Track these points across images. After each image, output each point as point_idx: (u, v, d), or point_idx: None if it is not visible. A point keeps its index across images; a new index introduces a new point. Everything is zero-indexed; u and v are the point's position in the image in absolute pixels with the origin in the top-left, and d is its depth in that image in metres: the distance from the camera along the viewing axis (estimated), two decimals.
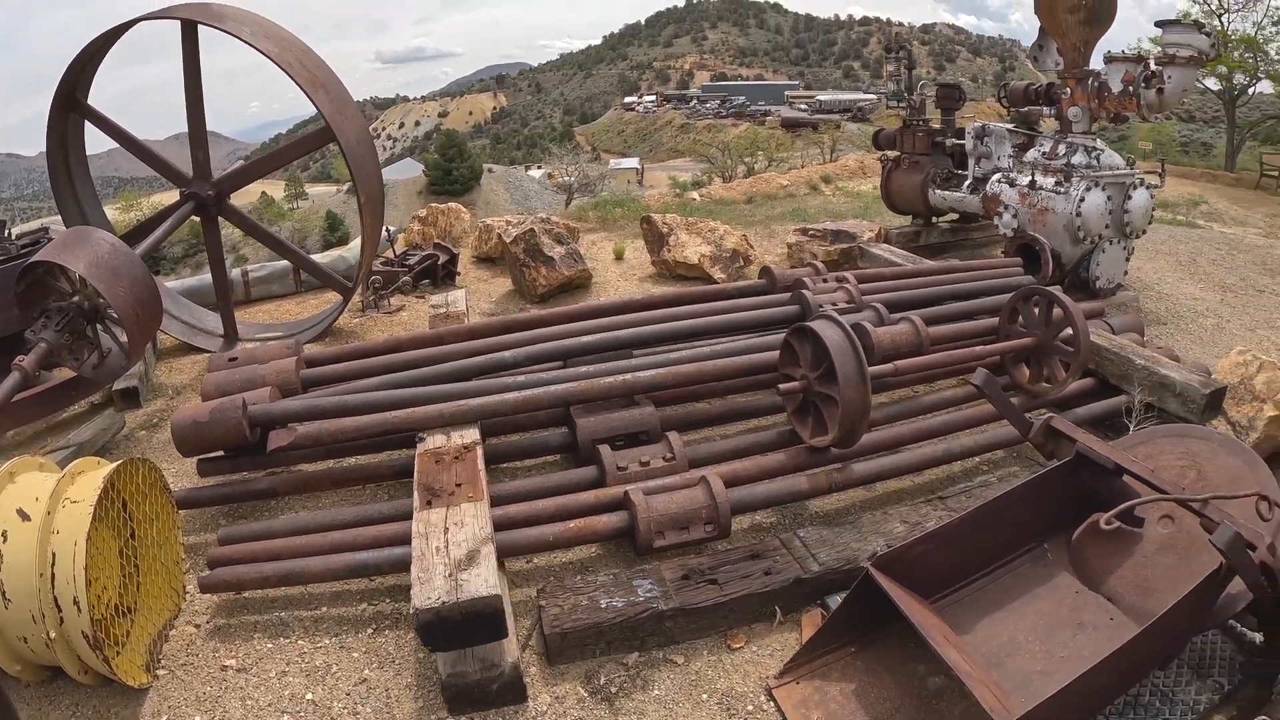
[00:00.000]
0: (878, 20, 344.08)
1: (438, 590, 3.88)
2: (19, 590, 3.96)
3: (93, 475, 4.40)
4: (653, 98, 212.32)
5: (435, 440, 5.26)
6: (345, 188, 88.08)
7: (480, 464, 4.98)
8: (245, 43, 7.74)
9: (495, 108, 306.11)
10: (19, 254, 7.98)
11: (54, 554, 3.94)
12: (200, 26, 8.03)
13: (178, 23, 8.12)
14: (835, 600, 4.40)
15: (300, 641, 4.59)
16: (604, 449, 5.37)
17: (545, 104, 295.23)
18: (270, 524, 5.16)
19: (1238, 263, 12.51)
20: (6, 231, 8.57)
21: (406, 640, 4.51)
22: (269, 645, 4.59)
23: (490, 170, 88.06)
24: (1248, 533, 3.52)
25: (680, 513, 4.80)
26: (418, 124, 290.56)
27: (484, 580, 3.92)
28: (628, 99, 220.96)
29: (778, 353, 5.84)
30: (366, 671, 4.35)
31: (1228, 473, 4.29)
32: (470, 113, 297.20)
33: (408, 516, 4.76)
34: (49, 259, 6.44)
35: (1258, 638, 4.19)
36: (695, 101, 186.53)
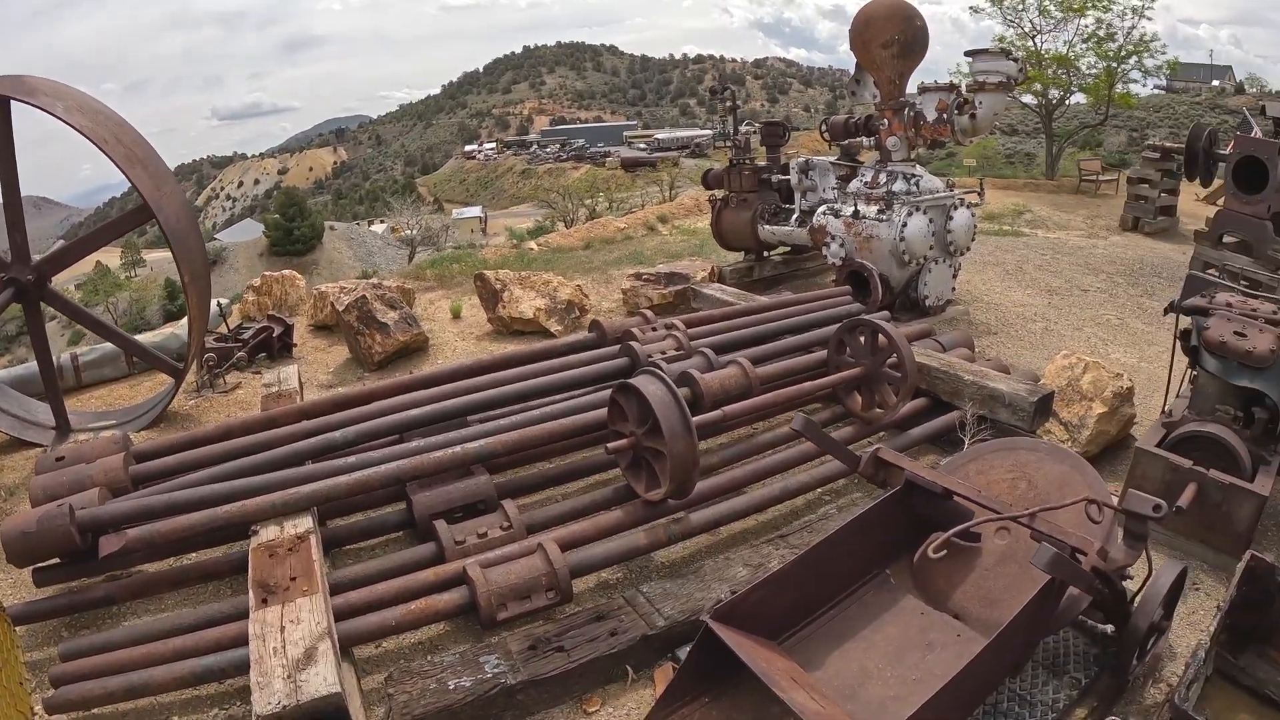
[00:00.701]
0: (711, 57, 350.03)
1: (278, 694, 3.80)
2: None
3: None
4: (493, 145, 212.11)
5: (269, 532, 5.11)
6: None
7: (315, 554, 4.87)
8: (58, 118, 7.53)
9: (336, 162, 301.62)
10: None
11: None
12: (13, 102, 7.79)
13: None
14: (685, 652, 4.43)
15: None
16: (440, 524, 5.36)
17: (386, 156, 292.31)
18: (110, 635, 4.95)
19: (1062, 265, 13.14)
20: None
21: None
22: None
23: (332, 228, 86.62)
24: (1076, 540, 3.69)
25: (520, 582, 4.81)
26: (257, 182, 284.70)
27: (323, 679, 3.85)
28: (468, 147, 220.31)
29: (607, 410, 5.89)
30: None
31: (1056, 479, 4.51)
32: (310, 168, 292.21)
33: (246, 615, 4.63)
34: None
35: (1109, 629, 4.38)
36: (535, 147, 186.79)
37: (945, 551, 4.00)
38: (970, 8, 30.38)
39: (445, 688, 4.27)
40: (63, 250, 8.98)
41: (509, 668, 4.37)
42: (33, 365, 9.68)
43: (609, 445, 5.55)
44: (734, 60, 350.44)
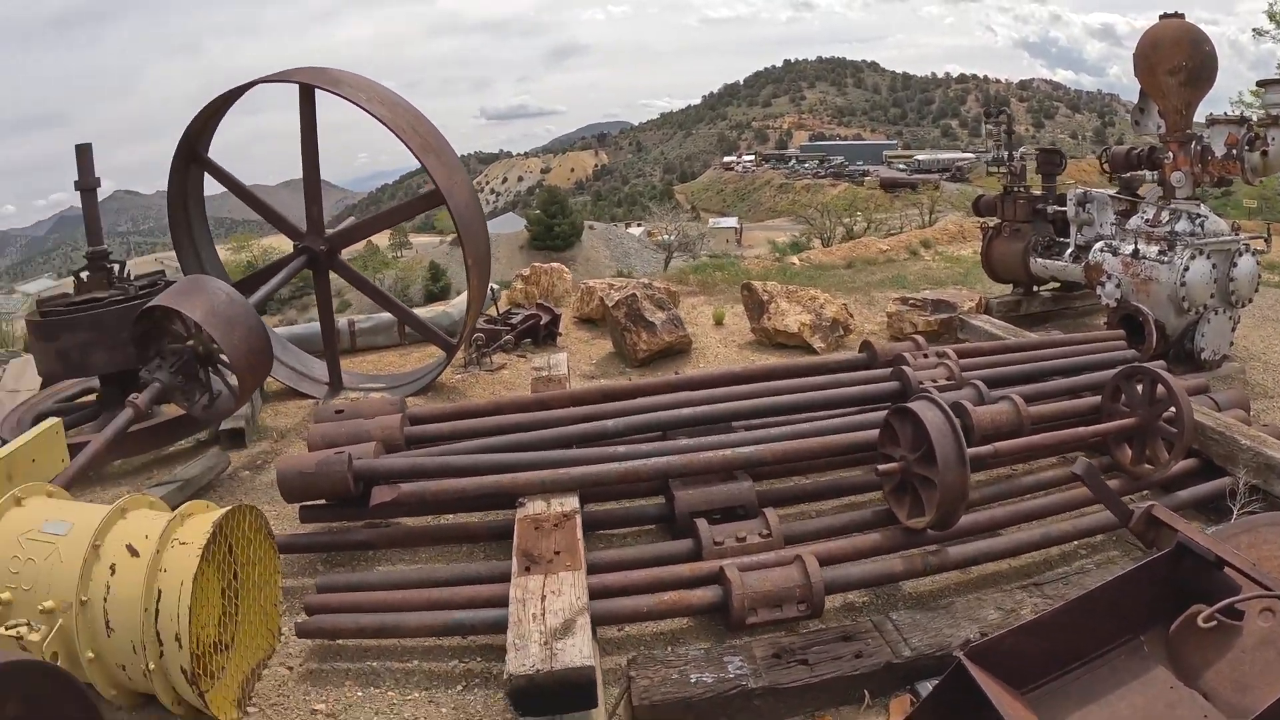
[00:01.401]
0: (974, 78, 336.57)
1: (533, 658, 3.92)
2: (123, 622, 4.13)
3: (202, 518, 4.55)
4: (751, 157, 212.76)
5: (535, 506, 5.31)
6: (450, 239, 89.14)
7: (579, 533, 5.02)
8: (361, 108, 7.98)
9: (596, 165, 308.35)
10: (138, 295, 8.30)
11: (160, 591, 4.10)
12: (318, 91, 8.31)
13: (294, 85, 8.44)
14: (925, 686, 4.32)
15: (390, 692, 4.64)
16: (701, 523, 5.36)
17: (645, 162, 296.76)
18: (366, 576, 5.30)
19: None
20: (126, 272, 8.91)
21: (495, 700, 4.51)
22: (359, 693, 4.65)
23: (591, 227, 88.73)
24: None
25: (774, 590, 4.78)
26: (520, 179, 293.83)
27: (579, 651, 3.96)
28: (727, 158, 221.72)
29: (877, 431, 5.77)
30: None
31: None
32: (572, 169, 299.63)
33: (503, 579, 4.83)
34: (168, 305, 6.68)
35: None
36: (794, 161, 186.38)
37: (1214, 623, 3.79)
38: (1254, 30, 28.20)
39: (686, 680, 4.30)
40: (353, 226, 9.55)
41: (751, 672, 4.36)
42: (314, 325, 10.33)
43: (880, 467, 5.44)
44: (998, 81, 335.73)
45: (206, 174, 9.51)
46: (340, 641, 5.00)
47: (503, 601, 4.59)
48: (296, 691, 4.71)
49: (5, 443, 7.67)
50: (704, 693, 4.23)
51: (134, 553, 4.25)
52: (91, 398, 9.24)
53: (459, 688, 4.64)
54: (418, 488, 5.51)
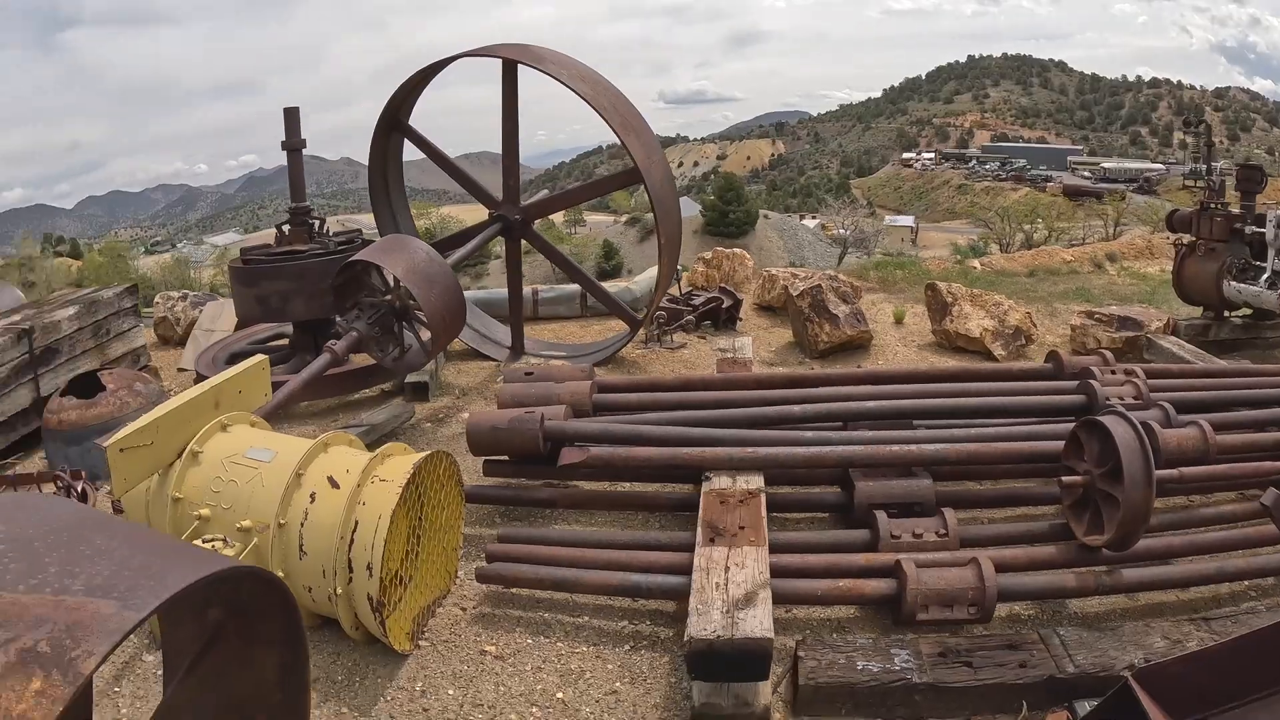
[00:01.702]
0: (1168, 82, 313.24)
1: (714, 624, 4.04)
2: (317, 547, 4.47)
3: (402, 460, 4.85)
4: (931, 155, 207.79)
5: (721, 481, 5.41)
6: (623, 219, 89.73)
7: (763, 510, 5.11)
8: (564, 85, 8.18)
9: (773, 154, 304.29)
10: (336, 250, 8.76)
11: (357, 522, 4.43)
12: (520, 66, 8.55)
13: (494, 60, 8.71)
14: (1083, 706, 4.25)
15: (559, 644, 4.84)
16: (880, 515, 5.36)
17: (822, 154, 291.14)
18: (547, 532, 5.53)
19: None
20: (325, 229, 9.38)
21: (661, 663, 4.66)
22: (529, 640, 4.87)
23: (766, 216, 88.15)
24: None
25: (947, 590, 4.76)
26: (696, 164, 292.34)
27: (759, 622, 4.06)
28: (906, 154, 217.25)
29: (1061, 442, 5.64)
30: (618, 684, 4.53)
31: None
32: (748, 157, 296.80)
33: (680, 548, 5.01)
34: (371, 260, 7.01)
35: None
36: (974, 162, 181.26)
37: None
38: None
39: (853, 666, 4.33)
40: (549, 198, 9.84)
41: (916, 667, 4.37)
42: (497, 291, 10.65)
43: (1064, 479, 5.32)
44: (1192, 87, 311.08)
45: (406, 142, 9.91)
46: (514, 590, 5.24)
47: (679, 570, 4.77)
48: (468, 632, 4.98)
49: (203, 377, 8.22)
50: (868, 681, 4.26)
51: (335, 484, 4.56)
52: (282, 342, 9.74)
53: (626, 647, 4.80)
54: (606, 452, 5.68)
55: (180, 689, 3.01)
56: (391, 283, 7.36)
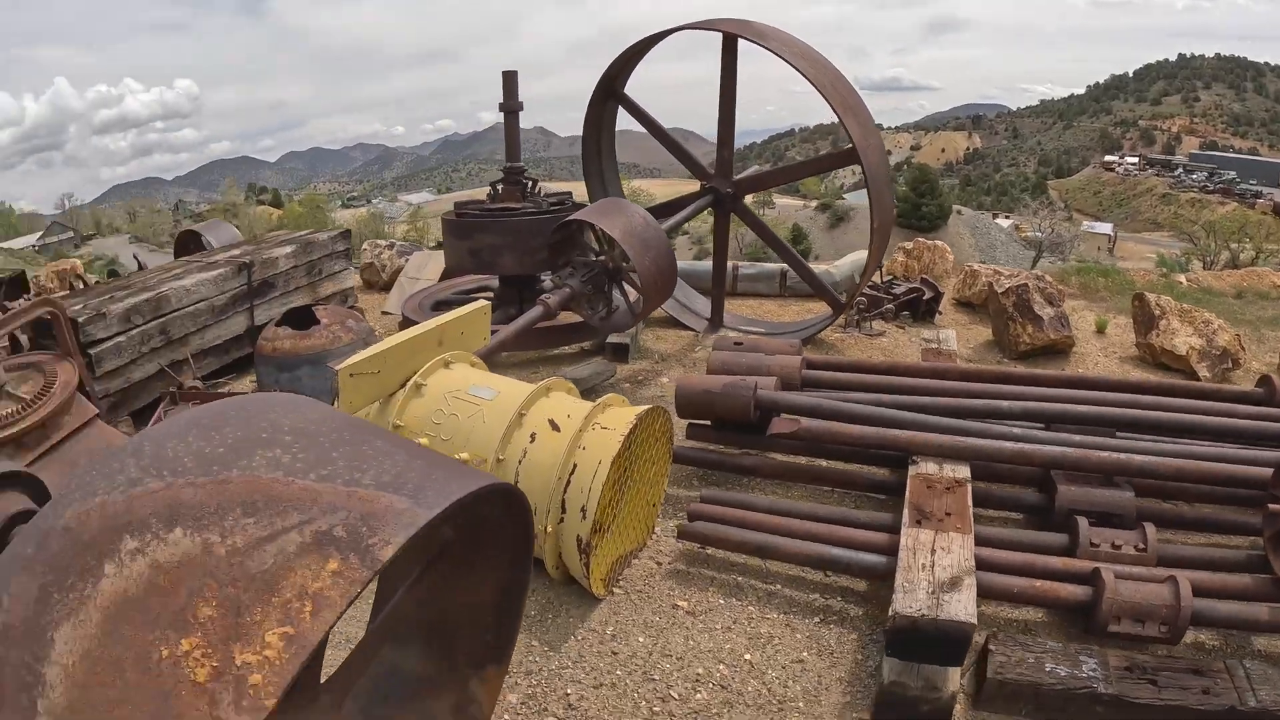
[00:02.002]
0: None
1: (919, 602, 4.05)
2: (532, 485, 4.62)
3: (622, 410, 4.99)
4: (1135, 159, 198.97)
5: (928, 467, 5.38)
6: (813, 204, 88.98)
7: (969, 500, 5.06)
8: (786, 61, 8.15)
9: (968, 148, 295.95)
10: (548, 210, 9.00)
11: (575, 465, 4.56)
12: (740, 41, 8.58)
13: (707, 32, 8.78)
14: None
15: (750, 607, 4.90)
16: (1081, 521, 5.23)
17: (1020, 151, 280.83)
18: (749, 497, 5.56)
19: None
20: (537, 189, 9.65)
21: (849, 639, 4.68)
22: (720, 601, 4.96)
23: (959, 212, 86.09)
24: None
25: (1142, 605, 4.64)
26: (890, 153, 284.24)
27: (963, 607, 4.05)
28: (1108, 157, 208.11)
29: (1269, 470, 5.41)
30: (805, 654, 4.57)
31: None
32: (942, 150, 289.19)
33: (881, 528, 5.01)
34: (590, 220, 7.17)
35: None
36: (1180, 170, 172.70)
37: None
38: None
39: (1041, 667, 4.27)
40: (761, 174, 9.89)
41: (1103, 677, 4.29)
42: (696, 263, 10.73)
43: (1270, 507, 5.18)
44: None
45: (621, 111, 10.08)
46: (708, 550, 5.34)
47: (878, 549, 4.79)
48: (661, 585, 5.11)
49: (409, 321, 8.57)
50: (1055, 684, 4.20)
51: (555, 427, 4.73)
52: (486, 295, 10.06)
53: (816, 620, 4.82)
54: (817, 425, 5.69)
55: (396, 606, 3.17)
56: (606, 244, 7.53)
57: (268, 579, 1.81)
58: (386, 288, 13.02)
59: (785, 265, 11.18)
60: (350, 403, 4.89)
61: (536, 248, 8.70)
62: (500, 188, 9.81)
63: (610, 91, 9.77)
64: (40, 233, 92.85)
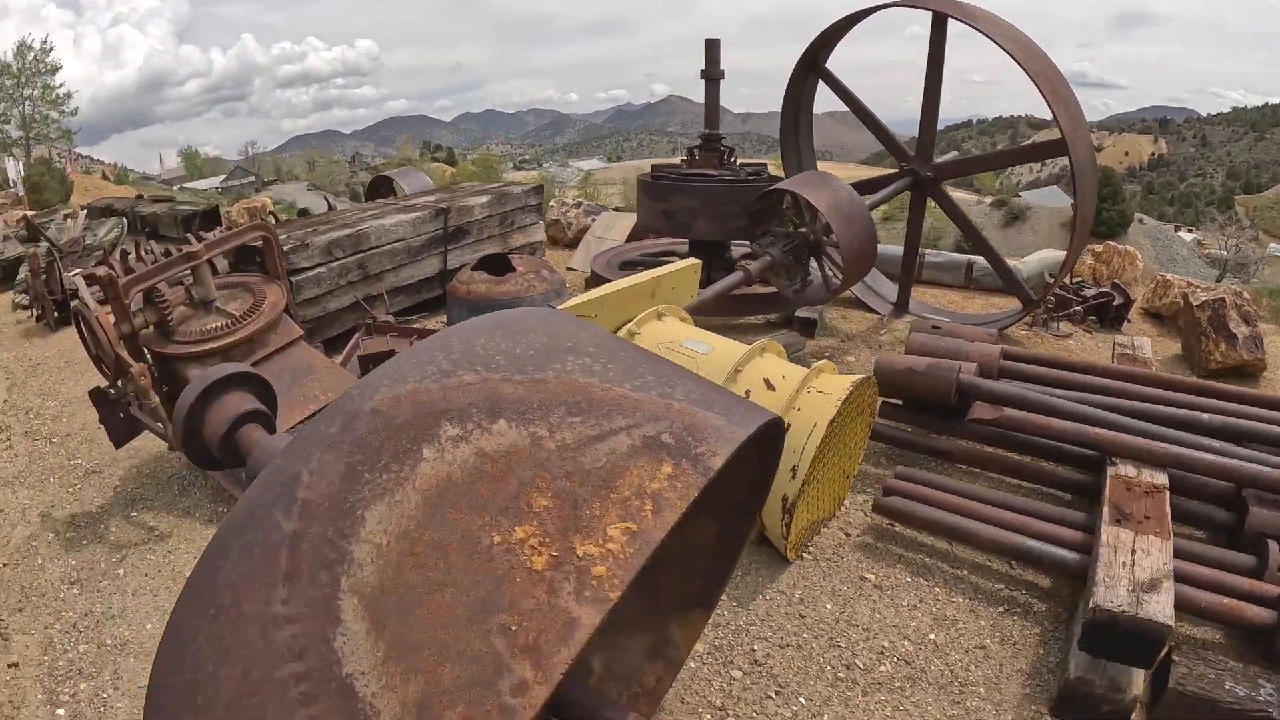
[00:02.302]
0: None
1: (1120, 599, 3.99)
2: None
3: (836, 378, 5.04)
4: None
5: (1126, 469, 5.26)
6: (987, 200, 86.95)
7: (1168, 506, 4.95)
8: (997, 44, 7.98)
9: (1153, 153, 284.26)
10: (745, 179, 9.04)
11: (789, 425, 4.57)
12: (950, 21, 8.44)
13: (909, 11, 8.65)
14: None
15: (936, 588, 4.90)
16: (1273, 545, 5.12)
17: (1208, 161, 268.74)
18: (944, 479, 5.51)
19: None
20: (733, 158, 9.70)
21: (1031, 632, 4.63)
22: (907, 578, 4.97)
23: (1140, 221, 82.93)
24: None
25: None
26: None
27: (1162, 609, 3.97)
28: None
29: None
30: (988, 641, 4.54)
31: None
32: (1126, 153, 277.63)
33: (1074, 526, 4.94)
34: (796, 190, 7.17)
35: None
36: None
37: None
38: None
39: (1221, 684, 4.17)
40: (963, 160, 9.72)
41: (1278, 705, 4.25)
42: (891, 247, 10.63)
43: None
44: None
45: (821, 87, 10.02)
46: (895, 527, 5.37)
47: (1071, 546, 4.74)
48: (850, 556, 5.15)
49: (598, 277, 8.71)
50: (1233, 703, 4.10)
51: (770, 387, 4.79)
52: (669, 258, 10.17)
53: (1000, 609, 4.78)
54: (1020, 415, 5.63)
55: None
56: (808, 216, 7.52)
57: (603, 475, 1.82)
58: (570, 245, 13.26)
59: (972, 257, 11.04)
60: None
61: (731, 215, 8.75)
62: (697, 153, 9.89)
63: (812, 66, 9.71)
64: (224, 176, 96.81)
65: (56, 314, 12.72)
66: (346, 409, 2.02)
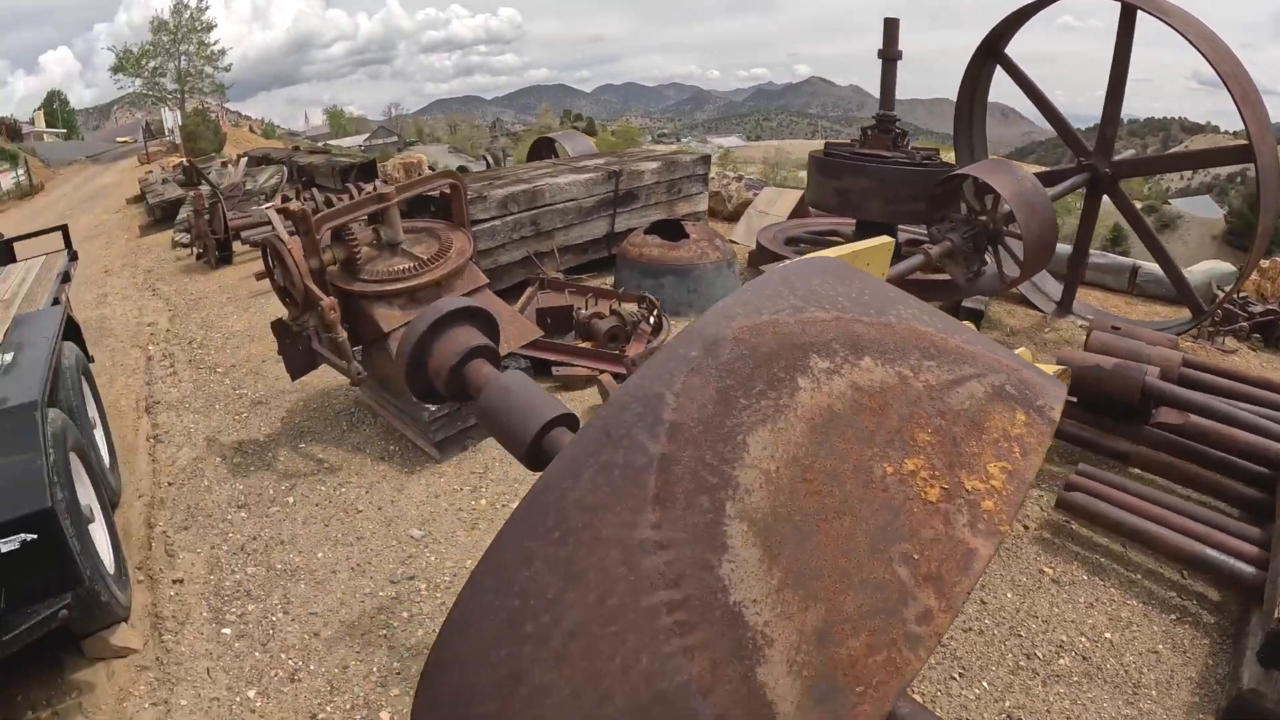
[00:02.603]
0: None
1: None
2: None
3: (1044, 366, 5.00)
4: None
5: None
6: (1137, 206, 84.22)
7: None
8: (1189, 41, 7.78)
9: None
10: (920, 162, 8.97)
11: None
12: (1139, 14, 8.23)
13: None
14: None
15: (1112, 589, 4.90)
16: None
17: None
18: (1125, 481, 5.46)
19: None
20: (906, 141, 9.63)
21: (1201, 642, 4.60)
22: (1084, 576, 5.01)
23: None
24: None
25: None
26: None
27: None
28: None
29: None
30: (1160, 646, 4.53)
31: None
32: None
33: (1249, 540, 4.88)
34: (982, 177, 7.10)
35: None
36: None
37: None
38: None
39: None
40: (1143, 158, 9.48)
41: None
42: (1062, 246, 10.45)
43: None
44: None
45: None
46: (1072, 524, 5.37)
47: (1250, 560, 4.70)
48: (1028, 549, 5.21)
49: (765, 250, 8.69)
50: None
51: None
52: (833, 237, 10.17)
53: (1173, 616, 4.76)
54: (1206, 424, 5.55)
55: None
56: (989, 204, 7.43)
57: (971, 417, 1.82)
58: (729, 217, 13.32)
59: (1137, 261, 10.78)
60: None
61: (905, 198, 8.71)
62: (870, 133, 9.84)
63: (992, 51, 9.57)
64: (367, 135, 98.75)
65: (218, 253, 13.26)
66: (705, 334, 1.97)
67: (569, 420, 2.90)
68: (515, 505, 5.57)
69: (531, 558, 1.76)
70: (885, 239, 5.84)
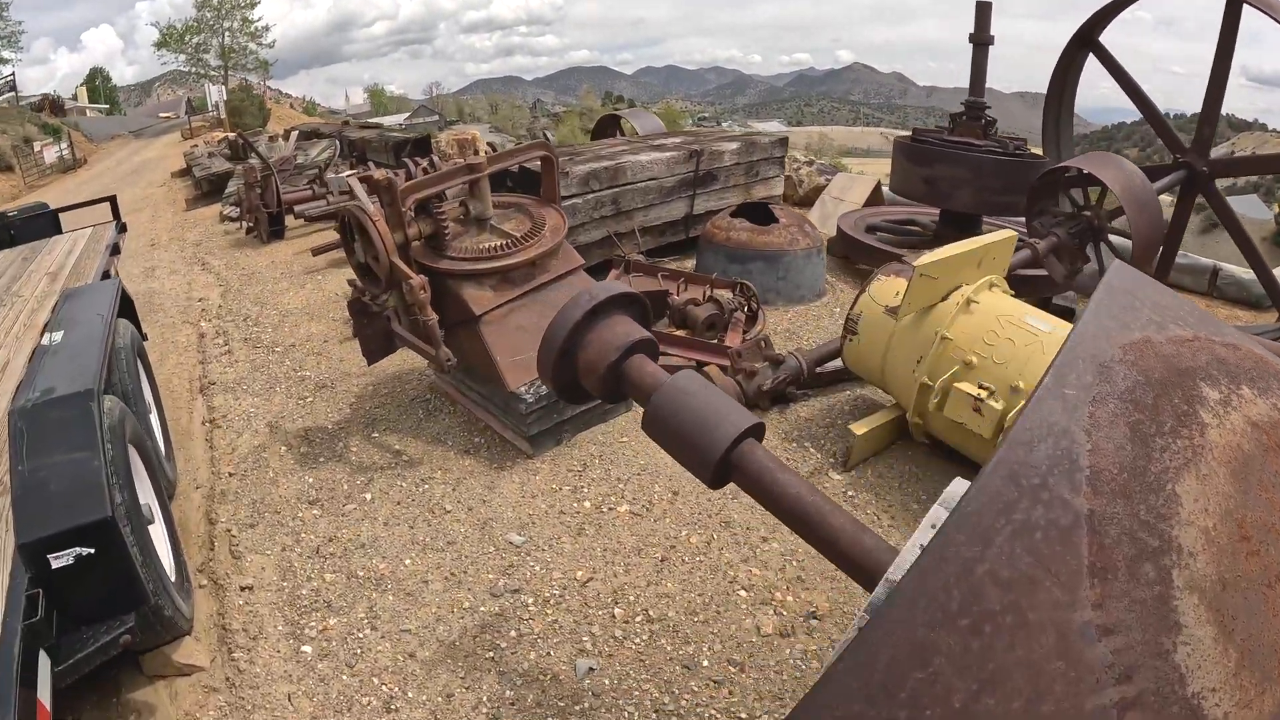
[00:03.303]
0: None
1: None
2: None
3: None
4: None
5: None
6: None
7: None
8: None
9: None
10: (1014, 153, 8.79)
11: None
12: (1245, 6, 8.02)
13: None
14: None
15: None
16: None
17: None
18: None
19: None
20: (995, 129, 9.45)
21: None
22: None
23: None
24: None
25: None
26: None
27: None
28: None
29: None
30: None
31: None
32: None
33: None
34: (1091, 170, 6.93)
35: None
36: None
37: None
38: None
39: None
40: (1242, 158, 9.23)
41: None
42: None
43: None
44: None
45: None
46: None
47: None
48: None
49: (844, 234, 8.52)
50: None
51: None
52: (911, 226, 10.04)
53: None
54: None
55: None
56: (1096, 199, 7.27)
57: None
58: (801, 203, 13.17)
59: (1218, 263, 10.56)
60: (911, 302, 4.98)
61: (998, 189, 8.54)
62: (959, 121, 9.67)
63: (1087, 40, 9.36)
64: (408, 114, 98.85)
65: (270, 228, 13.26)
66: (1093, 355, 1.72)
67: (758, 430, 2.61)
68: (624, 508, 5.52)
69: (930, 653, 1.45)
70: (1009, 233, 5.68)
